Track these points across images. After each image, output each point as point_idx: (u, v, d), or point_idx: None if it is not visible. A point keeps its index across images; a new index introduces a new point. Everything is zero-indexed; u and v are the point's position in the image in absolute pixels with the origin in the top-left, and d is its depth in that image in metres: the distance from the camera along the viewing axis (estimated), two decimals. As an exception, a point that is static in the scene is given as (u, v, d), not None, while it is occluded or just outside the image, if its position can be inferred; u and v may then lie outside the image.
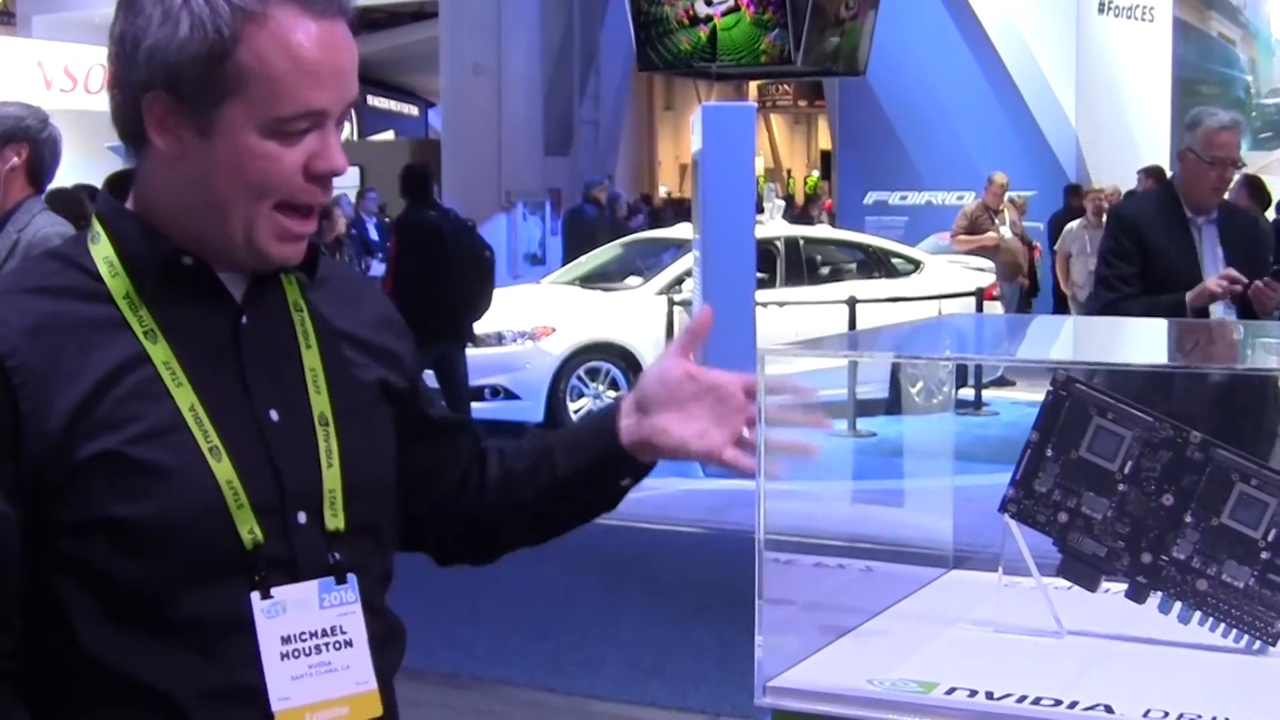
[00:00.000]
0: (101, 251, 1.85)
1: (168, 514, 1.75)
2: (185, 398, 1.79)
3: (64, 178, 5.24)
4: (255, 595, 1.80)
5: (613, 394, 13.14)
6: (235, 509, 1.78)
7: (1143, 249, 5.99)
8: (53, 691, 1.79)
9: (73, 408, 1.74)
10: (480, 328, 13.02)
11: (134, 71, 1.79)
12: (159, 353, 1.80)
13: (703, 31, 17.55)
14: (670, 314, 12.86)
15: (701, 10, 17.50)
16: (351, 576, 1.87)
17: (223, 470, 1.78)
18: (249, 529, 1.78)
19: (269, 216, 1.81)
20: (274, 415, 1.84)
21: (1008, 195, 16.61)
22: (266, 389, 1.85)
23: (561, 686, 6.74)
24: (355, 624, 1.87)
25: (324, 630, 1.84)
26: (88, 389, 1.76)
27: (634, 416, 2.07)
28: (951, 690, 2.45)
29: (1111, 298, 6.01)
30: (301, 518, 1.84)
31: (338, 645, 1.85)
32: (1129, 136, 21.06)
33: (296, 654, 1.82)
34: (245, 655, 1.79)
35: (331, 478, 1.86)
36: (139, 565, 1.75)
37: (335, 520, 1.86)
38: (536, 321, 12.99)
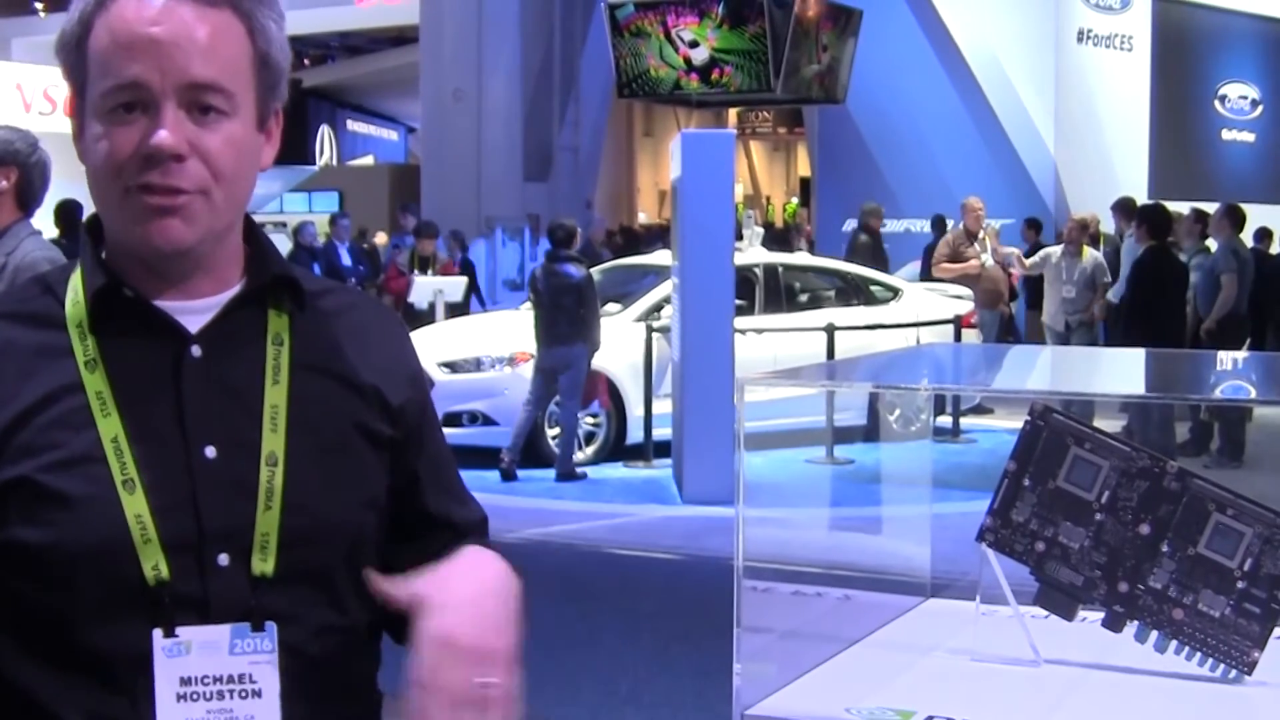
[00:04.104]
0: (75, 279, 1.85)
1: (70, 544, 1.73)
2: (110, 429, 1.77)
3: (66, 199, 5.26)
4: (158, 633, 1.76)
5: (591, 420, 13.14)
6: (141, 544, 1.74)
7: None
8: None
9: None
10: (458, 353, 13.01)
11: None
12: (94, 382, 1.78)
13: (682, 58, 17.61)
14: (649, 341, 12.86)
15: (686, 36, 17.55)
16: (271, 625, 1.80)
17: (134, 504, 1.75)
18: (153, 565, 1.75)
19: (126, 201, 1.78)
20: (210, 452, 1.80)
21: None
22: (207, 424, 1.81)
23: (538, 713, 6.71)
24: (267, 674, 1.80)
25: (230, 676, 1.78)
26: (15, 415, 1.76)
27: None
28: (929, 719, 2.45)
29: None
30: (223, 559, 1.79)
31: (244, 694, 1.78)
32: (1108, 165, 21.17)
33: (195, 697, 1.77)
34: (148, 693, 1.76)
35: (268, 520, 1.80)
36: (45, 593, 1.75)
37: (263, 564, 1.80)
38: (515, 347, 12.97)
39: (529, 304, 12.53)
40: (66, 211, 11.60)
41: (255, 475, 1.81)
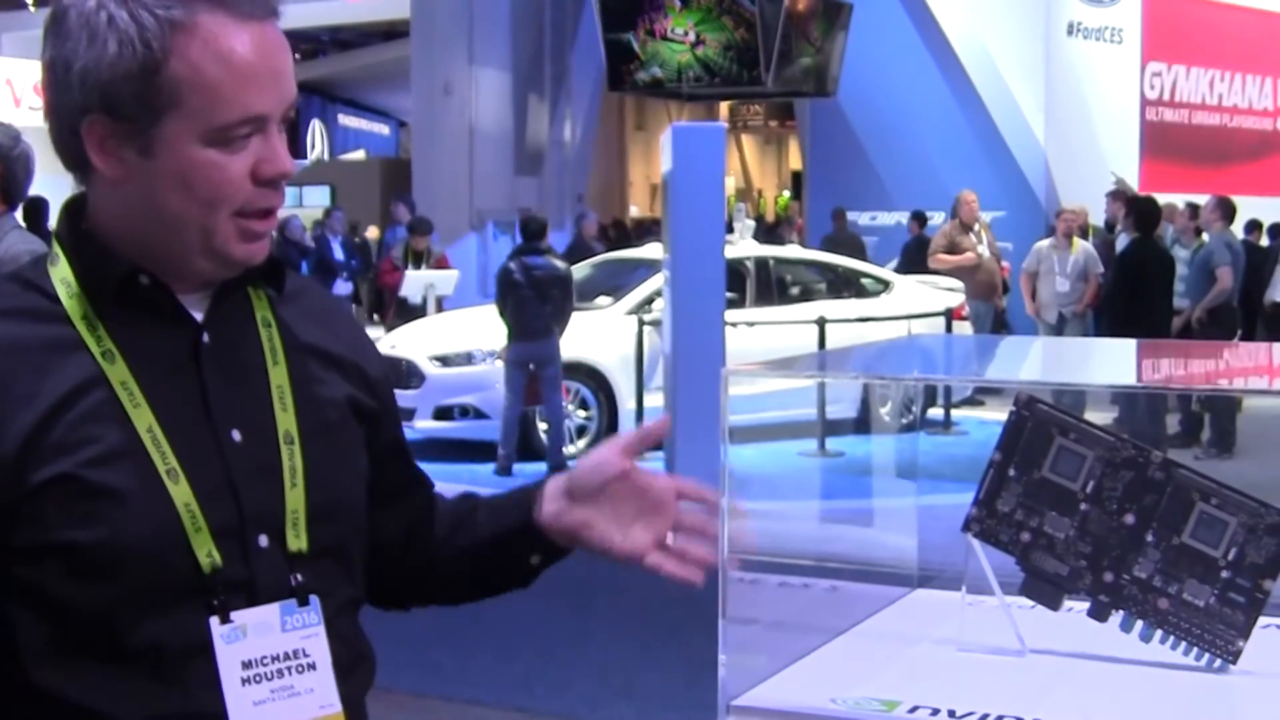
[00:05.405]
0: (60, 273, 1.83)
1: (123, 538, 1.72)
2: (143, 419, 1.76)
3: (33, 195, 5.26)
4: (214, 620, 1.77)
5: (582, 414, 13.14)
6: (193, 532, 1.75)
7: None
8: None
9: (27, 431, 1.72)
10: (450, 347, 13.00)
11: (68, 96, 1.77)
12: (116, 374, 1.77)
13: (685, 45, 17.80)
14: (640, 334, 12.86)
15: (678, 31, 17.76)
16: (314, 599, 1.84)
17: (180, 493, 1.75)
18: (207, 552, 1.76)
19: (228, 223, 1.78)
20: (236, 435, 1.82)
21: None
22: (229, 408, 1.83)
23: (530, 706, 6.74)
24: (319, 646, 1.84)
25: (286, 654, 1.82)
26: (43, 412, 1.73)
27: (561, 502, 2.07)
28: (914, 709, 2.46)
29: None
30: (263, 540, 1.81)
31: (300, 669, 1.82)
32: (1098, 157, 21.15)
33: (258, 679, 1.79)
34: (206, 680, 1.77)
35: (295, 498, 1.83)
36: (93, 591, 1.73)
37: (298, 542, 1.83)
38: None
39: (516, 297, 12.38)
40: (34, 209, 11.58)
41: (277, 455, 1.84)
